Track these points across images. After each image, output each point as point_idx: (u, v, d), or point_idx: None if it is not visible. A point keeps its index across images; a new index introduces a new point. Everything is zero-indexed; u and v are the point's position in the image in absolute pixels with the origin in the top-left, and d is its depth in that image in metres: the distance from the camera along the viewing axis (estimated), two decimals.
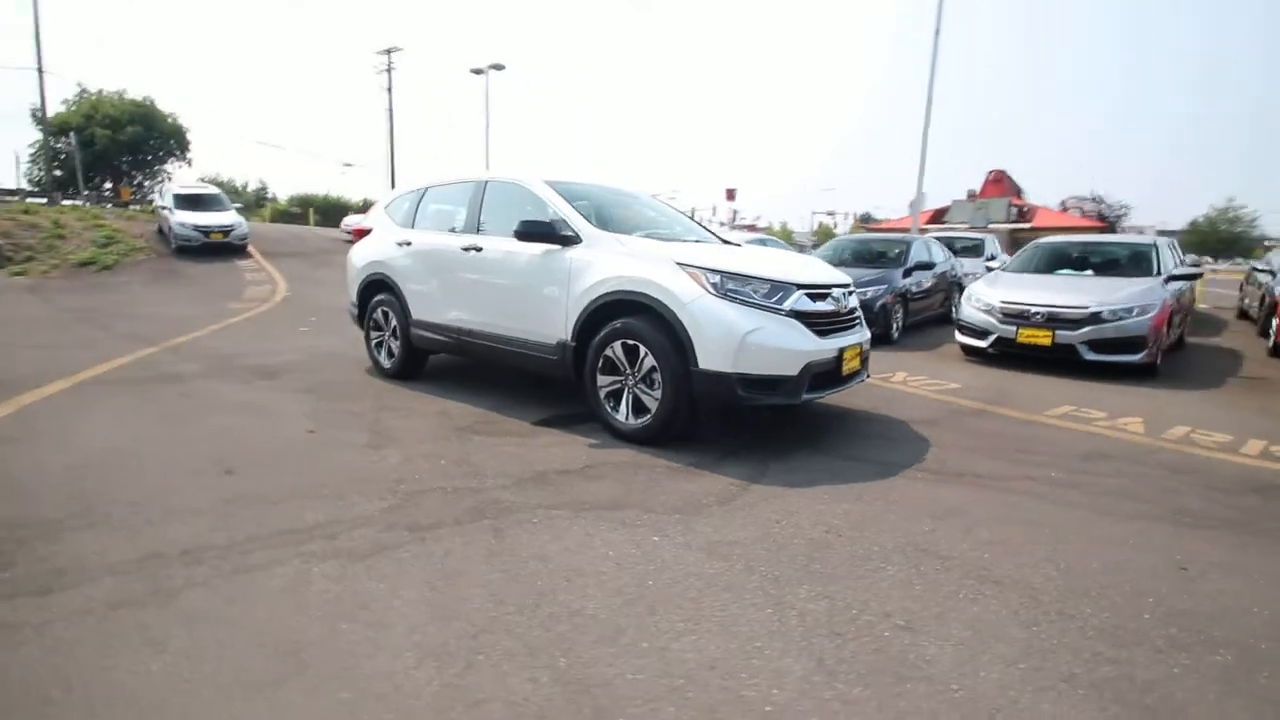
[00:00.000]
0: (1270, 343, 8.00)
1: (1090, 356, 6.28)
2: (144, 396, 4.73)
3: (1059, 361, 6.53)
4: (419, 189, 5.54)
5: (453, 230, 5.10)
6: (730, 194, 58.81)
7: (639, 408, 3.81)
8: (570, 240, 4.13)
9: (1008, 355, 6.90)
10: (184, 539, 2.53)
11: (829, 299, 3.87)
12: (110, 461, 3.41)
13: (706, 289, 3.54)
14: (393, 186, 39.49)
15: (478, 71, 24.24)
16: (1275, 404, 5.46)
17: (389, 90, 37.40)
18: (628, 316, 3.78)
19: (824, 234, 52.44)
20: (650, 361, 3.67)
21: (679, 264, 3.68)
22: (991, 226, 27.87)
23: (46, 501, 2.87)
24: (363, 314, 5.76)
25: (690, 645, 1.95)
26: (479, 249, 4.64)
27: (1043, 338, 6.45)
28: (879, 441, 4.07)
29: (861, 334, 4.15)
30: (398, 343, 5.37)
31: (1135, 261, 7.53)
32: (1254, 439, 4.33)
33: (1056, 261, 8.00)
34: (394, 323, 5.38)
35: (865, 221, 56.34)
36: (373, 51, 37.60)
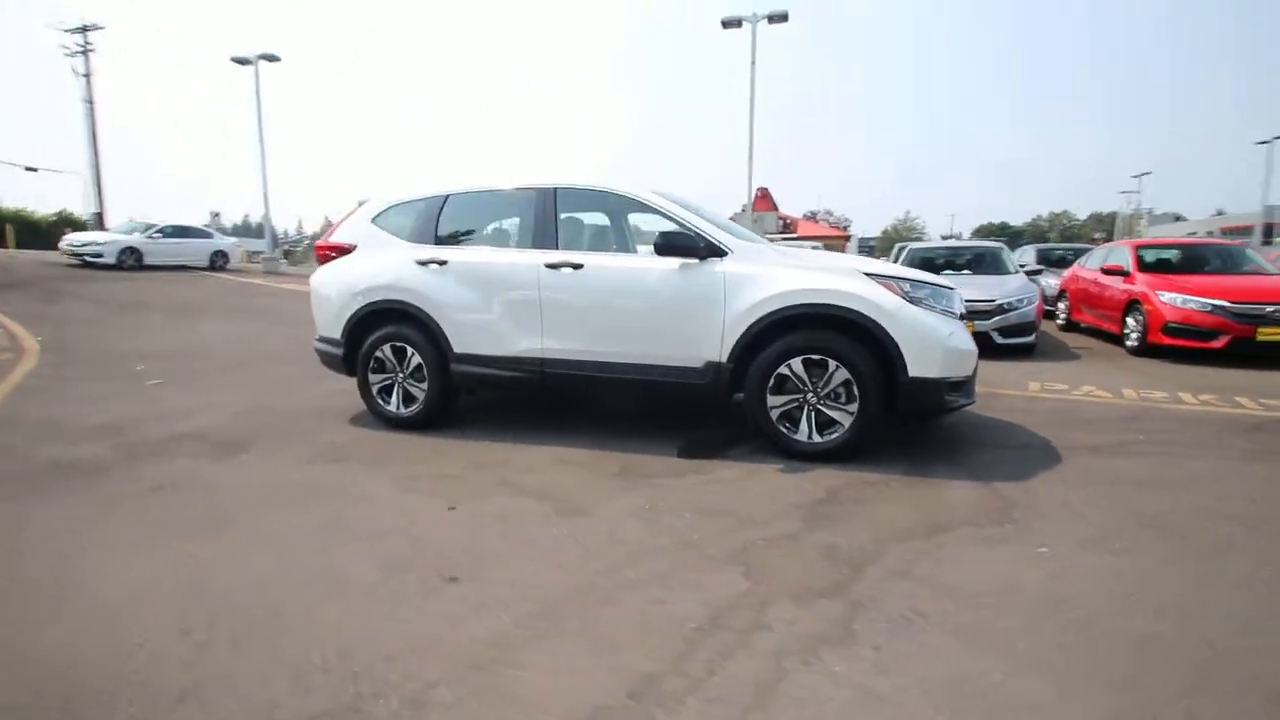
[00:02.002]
0: (1061, 320, 10.43)
1: (1001, 341, 7.57)
2: (132, 508, 3.20)
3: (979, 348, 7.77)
4: (432, 196, 4.56)
5: (513, 245, 4.33)
6: None
7: (822, 424, 3.65)
8: (716, 252, 3.79)
9: None
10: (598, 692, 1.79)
11: None
12: (288, 603, 2.24)
13: (903, 298, 3.54)
14: (99, 195, 31.56)
15: (242, 61, 20.42)
16: (1127, 365, 7.18)
17: (86, 77, 29.88)
18: (806, 330, 3.60)
19: None
20: (842, 375, 3.54)
21: (866, 274, 3.62)
22: (767, 236, 31.78)
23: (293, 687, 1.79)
24: (352, 354, 4.57)
25: None
26: (576, 266, 3.99)
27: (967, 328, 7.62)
28: (998, 431, 4.44)
29: None
30: (423, 384, 4.37)
31: (993, 262, 9.27)
32: (1180, 391, 5.67)
33: (927, 264, 9.47)
34: (415, 361, 4.37)
35: None
36: (61, 29, 29.47)
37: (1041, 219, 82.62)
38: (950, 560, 2.48)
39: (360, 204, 4.95)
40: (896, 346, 3.45)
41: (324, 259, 4.82)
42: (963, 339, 3.62)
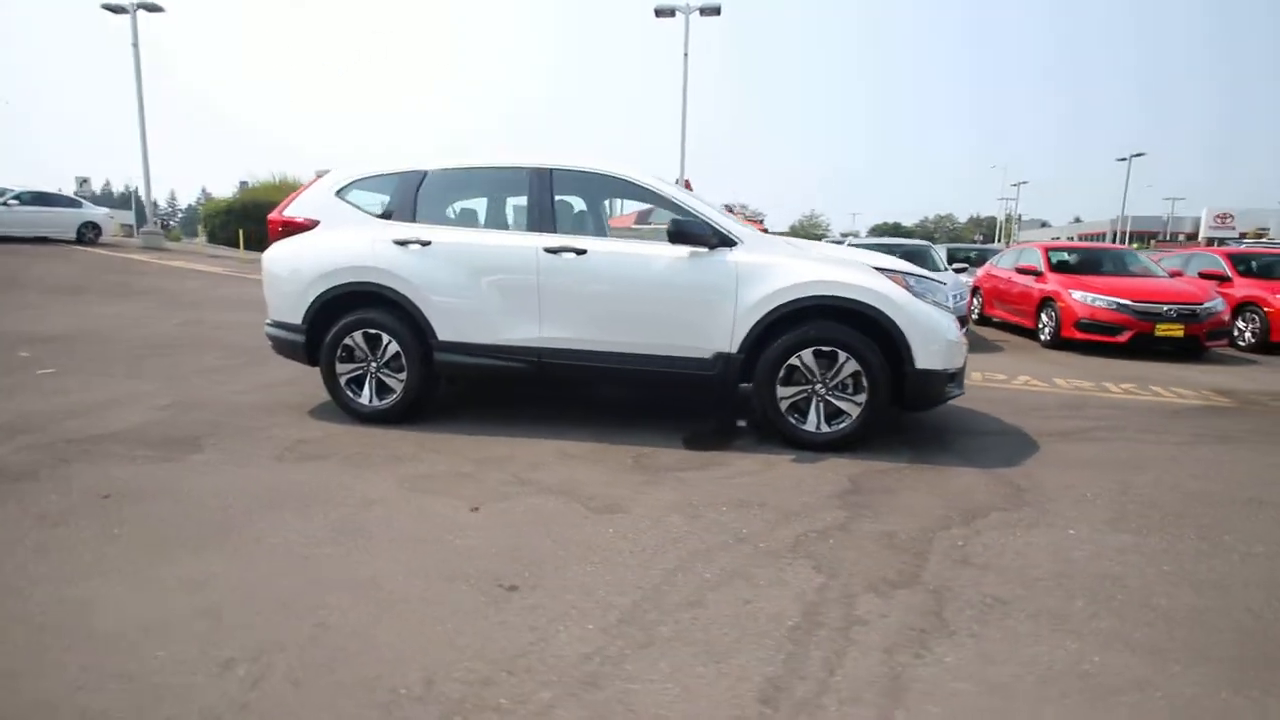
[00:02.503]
0: (976, 315, 11.26)
1: None
2: (89, 522, 2.70)
3: None
4: (408, 171, 4.19)
5: (503, 228, 4.06)
6: None
7: (830, 414, 3.69)
8: (726, 242, 3.72)
9: None
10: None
11: None
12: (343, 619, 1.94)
13: (909, 292, 3.63)
14: None
15: (116, 9, 17.95)
16: (1045, 357, 7.85)
17: None
18: (818, 322, 3.62)
19: None
20: (852, 366, 3.59)
21: (876, 268, 3.68)
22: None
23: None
24: (315, 341, 4.14)
25: None
26: (580, 251, 3.80)
27: None
28: (967, 418, 4.67)
29: None
30: (401, 375, 4.03)
31: (922, 260, 9.81)
32: (1103, 380, 6.25)
33: None
34: (392, 349, 4.02)
35: None
36: None
37: (929, 220, 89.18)
38: (996, 545, 2.57)
39: (319, 174, 4.47)
40: (905, 339, 3.54)
41: (277, 235, 4.32)
42: (958, 332, 3.78)
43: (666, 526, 2.69)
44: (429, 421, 4.12)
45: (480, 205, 4.34)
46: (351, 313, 4.07)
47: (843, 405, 3.67)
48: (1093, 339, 7.79)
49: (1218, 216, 47.72)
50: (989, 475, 3.39)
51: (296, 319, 4.15)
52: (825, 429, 3.68)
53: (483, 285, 3.92)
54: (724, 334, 3.69)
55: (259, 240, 21.83)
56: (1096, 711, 1.65)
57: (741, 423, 4.21)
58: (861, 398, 3.62)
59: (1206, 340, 7.59)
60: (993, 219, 68.20)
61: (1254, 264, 9.16)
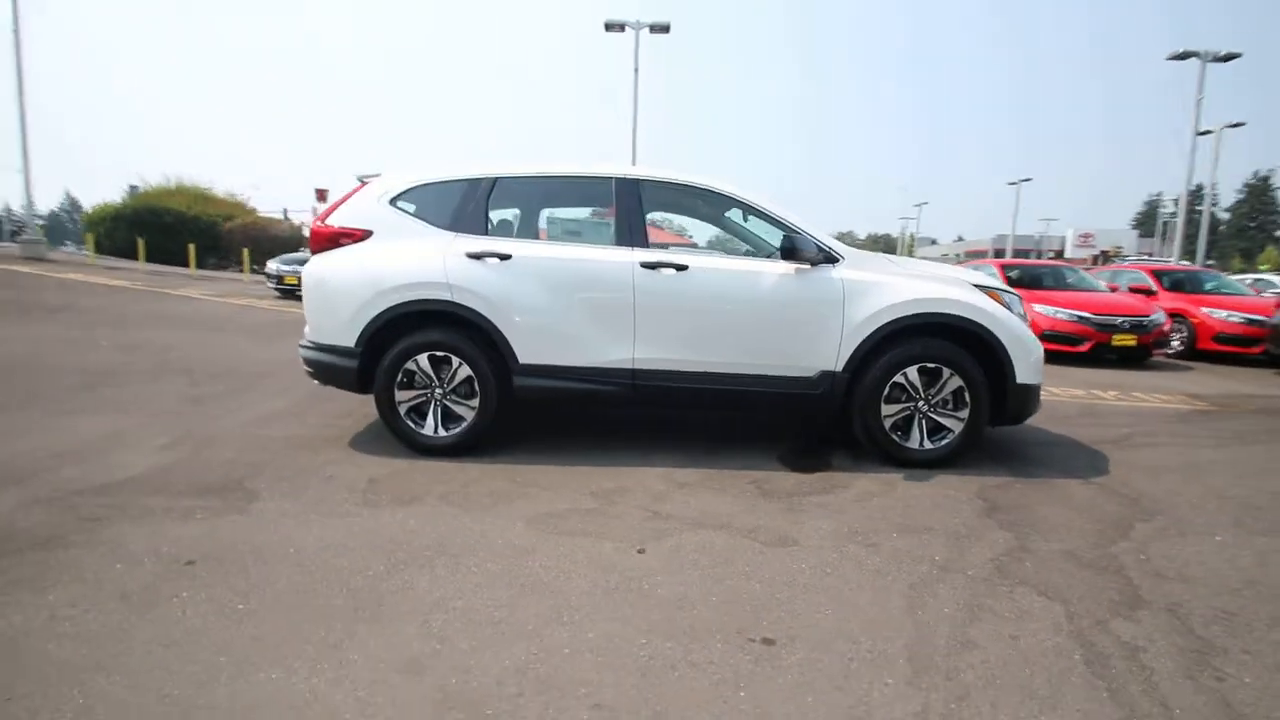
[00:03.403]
0: None
1: None
2: (188, 597, 2.21)
3: None
4: (475, 178, 3.84)
5: (588, 241, 3.80)
6: (321, 194, 52.25)
7: (930, 430, 3.70)
8: (829, 259, 3.66)
9: None
10: None
11: None
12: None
13: (1005, 307, 3.71)
14: None
15: None
16: None
17: None
18: (924, 339, 3.62)
19: None
20: (955, 383, 3.62)
21: (974, 285, 3.73)
22: None
23: None
24: (370, 366, 3.70)
25: None
26: (680, 267, 3.61)
27: None
28: (1011, 430, 4.83)
29: None
30: (472, 401, 3.67)
31: None
32: (1090, 389, 6.72)
33: None
34: (463, 374, 3.65)
35: None
36: None
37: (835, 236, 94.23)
38: (1172, 556, 2.63)
39: (363, 180, 4.02)
40: (1008, 354, 3.61)
41: (322, 246, 3.83)
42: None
43: (855, 558, 2.55)
44: (490, 452, 3.75)
45: (558, 216, 4.05)
46: (416, 334, 3.66)
47: (944, 421, 3.69)
48: (1057, 349, 8.41)
49: (1081, 236, 53.43)
50: (1095, 487, 3.50)
51: (348, 341, 3.68)
52: (928, 445, 3.68)
53: (571, 303, 3.64)
54: (830, 352, 3.62)
55: (162, 251, 19.77)
56: None
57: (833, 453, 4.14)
58: (963, 414, 3.65)
59: (1153, 349, 8.40)
60: (887, 235, 73.24)
61: (1174, 279, 10.28)
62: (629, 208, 3.74)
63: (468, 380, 3.67)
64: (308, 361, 3.85)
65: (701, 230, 4.80)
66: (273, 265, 13.72)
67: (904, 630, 2.05)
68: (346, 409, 4.66)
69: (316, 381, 3.97)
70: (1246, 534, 2.89)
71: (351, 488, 3.21)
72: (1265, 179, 65.20)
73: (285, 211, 42.04)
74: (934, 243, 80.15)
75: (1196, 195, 66.79)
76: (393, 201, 3.83)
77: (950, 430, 3.68)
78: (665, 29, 16.04)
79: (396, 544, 2.59)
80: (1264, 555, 2.67)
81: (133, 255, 19.12)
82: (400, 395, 3.70)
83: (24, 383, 5.30)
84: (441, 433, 3.71)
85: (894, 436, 3.68)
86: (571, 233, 4.08)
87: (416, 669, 1.79)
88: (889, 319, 3.58)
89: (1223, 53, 16.49)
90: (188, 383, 5.49)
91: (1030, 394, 3.70)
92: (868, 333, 3.58)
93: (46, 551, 2.45)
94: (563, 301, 3.63)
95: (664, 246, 3.91)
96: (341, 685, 1.72)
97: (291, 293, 13.66)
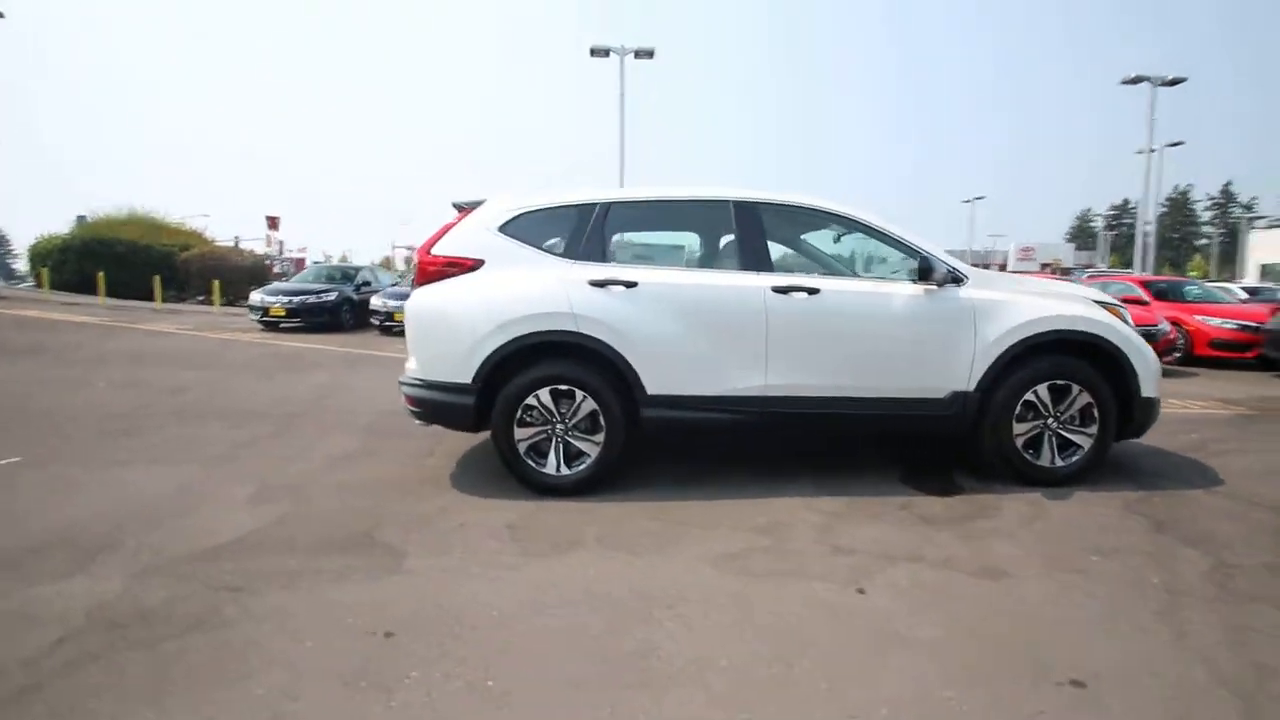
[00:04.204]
0: None
1: None
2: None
3: None
4: (584, 204, 3.68)
5: (709, 266, 3.69)
6: (273, 222, 50.70)
7: (1062, 446, 3.69)
8: (957, 279, 3.64)
9: None
10: None
11: None
12: None
13: (1125, 323, 3.76)
14: None
15: None
16: None
17: None
18: (1054, 356, 3.63)
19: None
20: (1084, 399, 3.63)
21: (1097, 301, 3.77)
22: None
23: None
24: (486, 402, 3.47)
25: None
26: (812, 290, 3.52)
27: None
28: None
29: None
30: (596, 437, 3.48)
31: None
32: None
33: None
34: (587, 408, 3.46)
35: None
36: None
37: None
38: None
39: (462, 208, 3.82)
40: (1134, 369, 3.65)
41: (429, 277, 3.60)
42: None
43: (1075, 586, 2.49)
44: (610, 490, 3.53)
45: (676, 242, 3.93)
46: (536, 367, 3.45)
47: (1073, 438, 3.69)
48: None
49: (1022, 250, 56.23)
50: (1224, 497, 3.54)
51: (464, 377, 3.45)
52: (1059, 463, 3.67)
53: (701, 331, 3.50)
54: (963, 372, 3.59)
55: (116, 284, 18.52)
56: None
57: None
58: (1092, 429, 3.66)
59: (1163, 357, 8.76)
60: None
61: (1158, 289, 10.82)
62: (750, 230, 3.65)
63: (591, 415, 3.48)
64: (415, 400, 3.59)
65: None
66: (256, 297, 13.04)
67: (1192, 659, 1.97)
68: (424, 447, 4.38)
69: (420, 422, 3.71)
70: None
71: (494, 535, 2.98)
72: (1184, 194, 70.30)
73: (237, 240, 40.62)
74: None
75: (1123, 209, 71.22)
76: (502, 229, 3.63)
77: (1080, 446, 3.68)
78: (650, 54, 16.23)
79: (594, 596, 2.39)
80: None
81: (85, 289, 17.94)
82: (519, 433, 3.47)
83: (39, 430, 4.80)
84: (565, 470, 3.50)
85: (1026, 455, 3.65)
86: (696, 257, 3.95)
87: None
88: (1020, 337, 3.57)
89: (1169, 77, 17.88)
90: (225, 426, 5.08)
91: (1154, 406, 3.74)
92: (999, 351, 3.57)
93: (209, 632, 2.14)
94: (692, 329, 3.50)
95: (789, 270, 3.81)
96: None
97: (276, 325, 13.02)
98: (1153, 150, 19.92)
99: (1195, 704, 1.77)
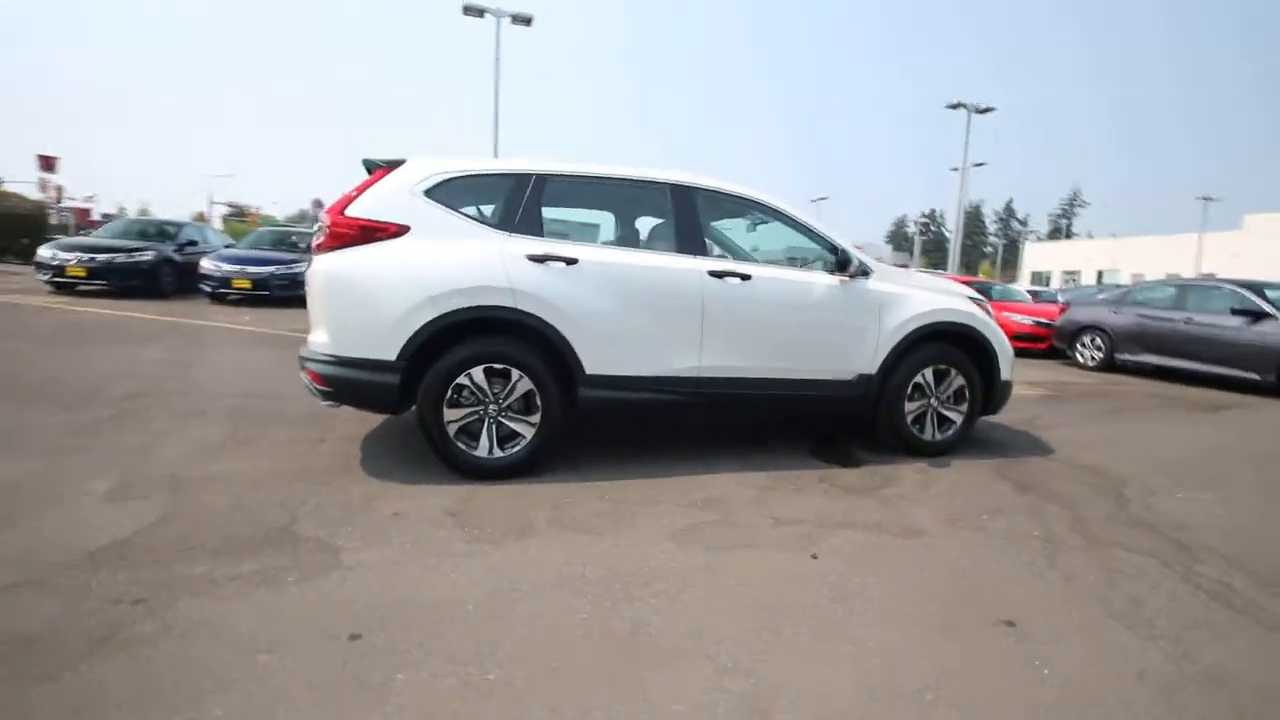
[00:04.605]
0: None
1: None
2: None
3: None
4: (518, 173, 3.52)
5: (644, 247, 3.68)
6: (47, 162, 41.91)
7: (940, 422, 4.21)
8: (864, 272, 3.97)
9: None
10: None
11: None
12: None
13: (990, 316, 4.34)
14: None
15: None
16: None
17: None
18: (939, 344, 4.11)
19: (235, 229, 43.02)
20: (959, 381, 4.16)
21: (969, 297, 4.30)
22: None
23: None
24: (411, 382, 3.24)
25: None
26: (744, 276, 3.66)
27: None
28: None
29: None
30: (531, 418, 3.38)
31: None
32: None
33: None
34: (523, 388, 3.36)
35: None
36: None
37: None
38: (1171, 510, 3.35)
39: (375, 166, 3.47)
40: (996, 356, 4.25)
41: (343, 241, 3.23)
42: None
43: (979, 542, 2.87)
44: (538, 474, 3.45)
45: (605, 220, 3.84)
46: (468, 344, 3.26)
47: (950, 415, 4.22)
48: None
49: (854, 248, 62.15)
50: (1063, 464, 4.24)
51: (387, 354, 3.17)
52: (938, 437, 4.19)
53: (640, 311, 3.51)
54: (868, 357, 3.95)
55: None
56: None
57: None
58: (964, 407, 4.23)
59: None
60: None
61: (978, 289, 12.67)
62: (687, 215, 3.71)
63: (526, 395, 3.36)
64: (324, 379, 3.22)
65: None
66: (47, 252, 10.79)
67: (1087, 598, 2.38)
68: (309, 434, 3.97)
69: (327, 403, 3.35)
70: (1198, 489, 3.78)
71: (436, 523, 2.79)
72: (977, 207, 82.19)
73: None
74: None
75: (931, 217, 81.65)
76: (428, 193, 3.36)
77: (954, 422, 4.23)
78: (528, 21, 15.60)
79: (568, 580, 2.34)
80: (1227, 501, 3.54)
81: None
82: (449, 414, 3.27)
83: None
84: (498, 453, 3.35)
85: (914, 430, 4.13)
86: (625, 237, 3.91)
87: (774, 710, 1.69)
88: (915, 326, 4.00)
89: (984, 106, 20.93)
90: (54, 410, 4.22)
91: (1008, 388, 4.40)
92: (898, 339, 3.98)
93: (126, 655, 1.80)
94: (631, 309, 3.49)
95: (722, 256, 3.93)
96: None
97: (72, 287, 10.93)
98: (959, 168, 23.11)
99: (1099, 633, 2.15)
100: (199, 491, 2.99)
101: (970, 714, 1.72)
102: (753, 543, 2.75)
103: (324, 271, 3.23)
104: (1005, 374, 4.32)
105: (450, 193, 3.41)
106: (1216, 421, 6.12)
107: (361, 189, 3.35)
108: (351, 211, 3.27)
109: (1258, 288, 7.94)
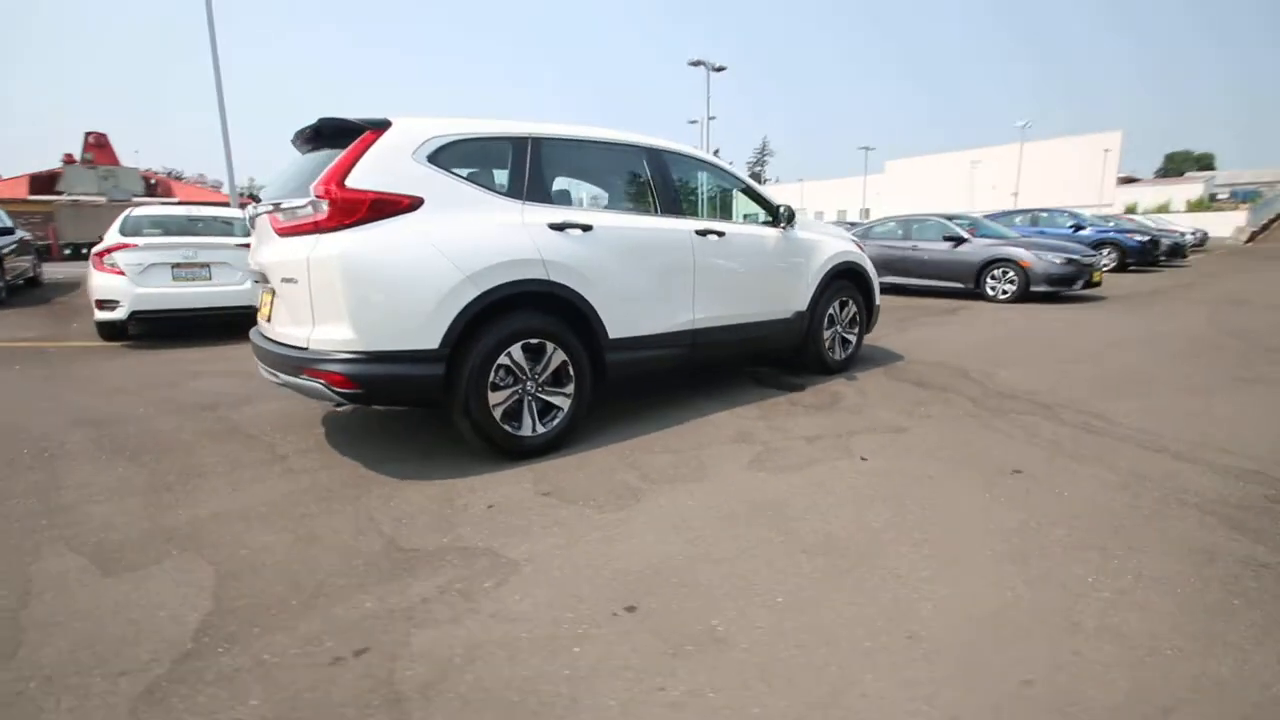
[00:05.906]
0: None
1: None
2: None
3: None
4: (514, 136, 3.36)
5: (631, 209, 3.81)
6: None
7: (843, 344, 5.17)
8: (793, 222, 4.61)
9: None
10: None
11: None
12: None
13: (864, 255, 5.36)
14: None
15: None
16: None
17: None
18: (842, 280, 5.00)
19: None
20: (852, 310, 5.15)
21: (849, 239, 5.23)
22: (136, 200, 24.54)
23: None
24: (455, 367, 3.04)
25: None
26: (720, 234, 4.01)
27: None
28: None
29: None
30: (566, 389, 3.43)
31: None
32: None
33: None
34: (558, 360, 3.37)
35: None
36: None
37: None
38: (1004, 379, 4.72)
39: (334, 128, 3.01)
40: (873, 287, 5.33)
41: (350, 219, 2.79)
42: None
43: (940, 427, 3.79)
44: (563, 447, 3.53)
45: (593, 184, 3.78)
46: (508, 321, 3.13)
47: (849, 337, 5.21)
48: None
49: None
50: (916, 361, 5.56)
51: (430, 342, 2.90)
52: (842, 356, 5.16)
53: (646, 272, 3.68)
54: (803, 296, 4.68)
55: None
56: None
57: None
58: (855, 331, 5.25)
59: None
60: None
61: None
62: (662, 177, 3.92)
63: (561, 366, 3.36)
64: (353, 379, 2.82)
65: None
66: None
67: (1041, 447, 3.41)
68: (260, 453, 3.40)
69: (346, 406, 2.95)
70: (1005, 367, 5.30)
71: (547, 505, 2.78)
72: (716, 152, 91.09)
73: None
74: None
75: None
76: (431, 159, 3.04)
77: (851, 343, 5.24)
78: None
79: (727, 518, 2.61)
80: (1028, 373, 5.07)
81: None
82: (493, 397, 3.13)
83: None
84: (540, 429, 3.32)
85: (829, 353, 5.03)
86: (611, 199, 3.92)
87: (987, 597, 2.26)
88: (830, 267, 4.84)
89: (717, 65, 23.37)
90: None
91: (879, 312, 5.55)
92: (820, 279, 4.78)
93: (458, 693, 1.64)
94: (638, 271, 3.65)
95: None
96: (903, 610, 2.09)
97: None
98: (700, 120, 25.74)
99: (1062, 461, 3.15)
100: (248, 549, 2.47)
101: (1031, 515, 2.50)
102: (814, 459, 3.27)
103: (337, 255, 2.77)
104: (877, 300, 5.44)
105: (455, 158, 3.14)
106: (961, 320, 8.35)
107: (352, 156, 2.89)
108: (353, 183, 2.82)
109: (956, 219, 10.76)
